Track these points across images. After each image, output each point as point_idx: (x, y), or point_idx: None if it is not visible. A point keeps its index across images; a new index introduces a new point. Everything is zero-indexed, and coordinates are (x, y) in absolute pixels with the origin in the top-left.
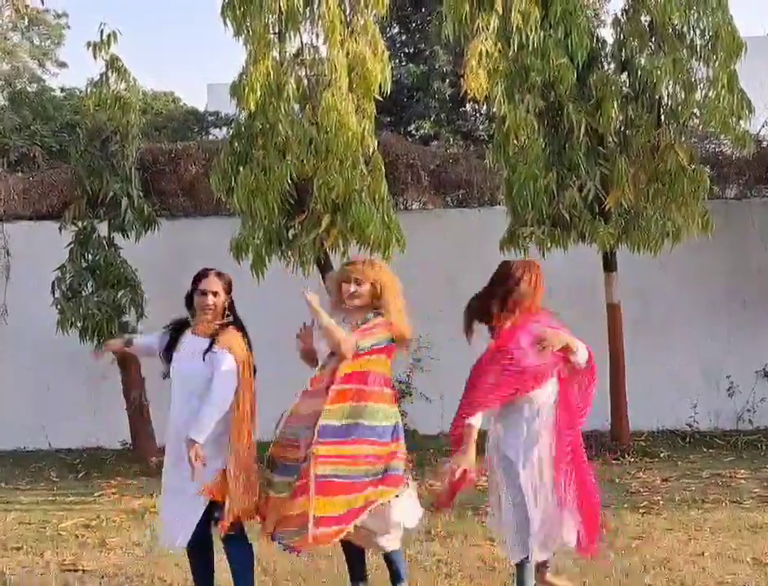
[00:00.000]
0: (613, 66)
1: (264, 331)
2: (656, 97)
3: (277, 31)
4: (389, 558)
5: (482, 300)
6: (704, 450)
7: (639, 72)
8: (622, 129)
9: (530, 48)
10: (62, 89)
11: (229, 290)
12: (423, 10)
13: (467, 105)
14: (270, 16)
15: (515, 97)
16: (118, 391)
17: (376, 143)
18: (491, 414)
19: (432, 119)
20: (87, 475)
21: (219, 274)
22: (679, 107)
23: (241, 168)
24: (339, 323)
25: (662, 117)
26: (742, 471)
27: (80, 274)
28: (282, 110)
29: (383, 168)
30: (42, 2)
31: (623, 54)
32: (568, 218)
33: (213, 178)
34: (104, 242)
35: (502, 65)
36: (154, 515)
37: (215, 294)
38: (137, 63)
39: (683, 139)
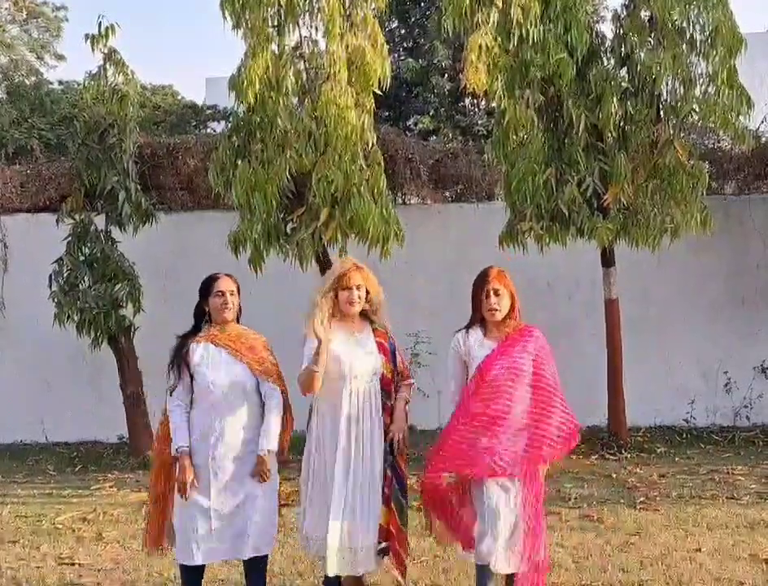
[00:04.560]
0: (612, 61)
1: (262, 325)
2: (656, 92)
3: (276, 24)
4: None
5: None
6: (702, 446)
7: (639, 68)
8: (622, 124)
9: (530, 43)
10: (60, 82)
11: (239, 291)
12: (422, 4)
13: (466, 100)
14: (269, 9)
15: (515, 92)
16: (115, 386)
17: (375, 138)
18: None
19: (431, 114)
20: (84, 469)
21: (228, 275)
22: (679, 103)
23: (239, 162)
24: (346, 333)
25: (661, 113)
26: (739, 468)
27: (77, 268)
28: (281, 104)
29: (382, 162)
30: None
31: (623, 49)
32: (567, 213)
33: (211, 172)
34: (101, 236)
35: (501, 60)
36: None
37: (231, 293)
38: (135, 56)
39: (682, 135)
